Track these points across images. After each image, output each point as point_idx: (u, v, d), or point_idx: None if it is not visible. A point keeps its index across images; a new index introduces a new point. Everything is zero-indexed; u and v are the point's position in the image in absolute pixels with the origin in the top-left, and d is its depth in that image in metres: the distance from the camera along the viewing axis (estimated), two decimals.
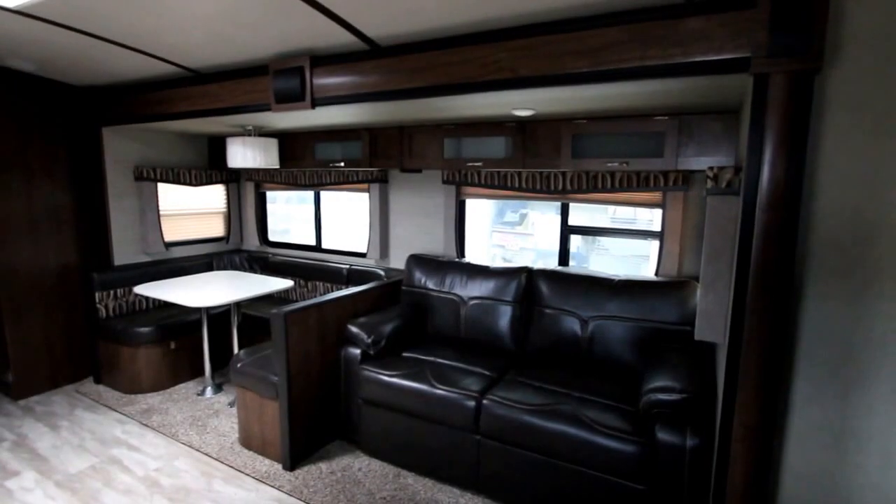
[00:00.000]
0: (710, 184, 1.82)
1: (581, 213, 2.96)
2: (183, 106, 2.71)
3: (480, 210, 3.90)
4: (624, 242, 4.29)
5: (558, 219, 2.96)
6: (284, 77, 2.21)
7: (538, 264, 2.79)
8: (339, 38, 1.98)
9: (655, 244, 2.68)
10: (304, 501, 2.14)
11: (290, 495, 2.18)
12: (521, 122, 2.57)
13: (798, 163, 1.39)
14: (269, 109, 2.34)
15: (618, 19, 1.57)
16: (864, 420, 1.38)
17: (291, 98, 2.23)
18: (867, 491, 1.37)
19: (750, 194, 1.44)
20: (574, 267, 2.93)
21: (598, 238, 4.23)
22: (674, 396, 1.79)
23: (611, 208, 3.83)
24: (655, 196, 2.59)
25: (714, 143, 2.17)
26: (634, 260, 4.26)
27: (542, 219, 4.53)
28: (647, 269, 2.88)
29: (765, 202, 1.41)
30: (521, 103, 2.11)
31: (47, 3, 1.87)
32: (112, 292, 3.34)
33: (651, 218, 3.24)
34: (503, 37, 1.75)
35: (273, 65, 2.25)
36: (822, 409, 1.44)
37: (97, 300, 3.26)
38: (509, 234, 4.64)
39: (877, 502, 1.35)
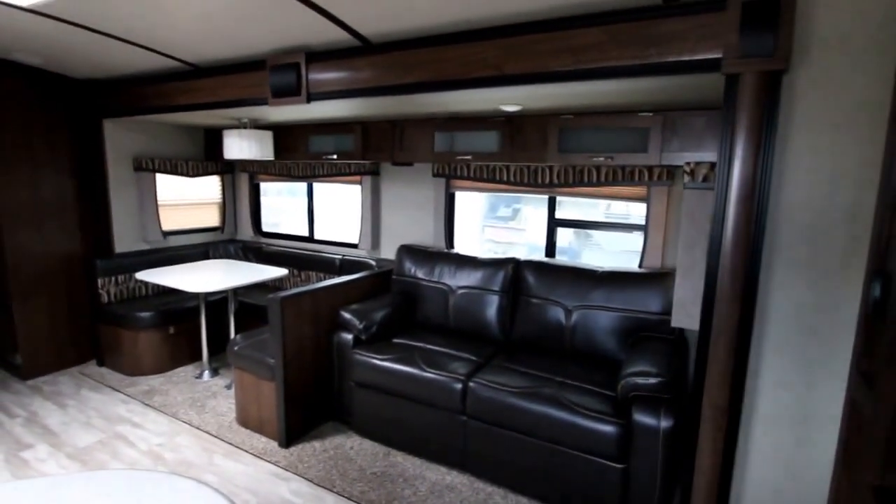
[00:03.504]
0: (686, 178, 1.91)
1: (575, 209, 3.03)
2: (183, 99, 2.78)
3: (473, 205, 3.96)
4: (616, 238, 4.34)
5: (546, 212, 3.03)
6: (281, 72, 2.28)
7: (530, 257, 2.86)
8: (333, 35, 2.04)
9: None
10: (299, 475, 2.26)
11: (286, 470, 2.30)
12: (510, 117, 2.64)
13: (767, 158, 1.48)
14: (266, 103, 2.40)
15: (598, 20, 1.64)
16: (828, 402, 1.46)
17: (288, 93, 2.29)
18: (827, 470, 1.45)
19: (722, 188, 1.53)
20: (560, 258, 3.02)
21: (591, 233, 4.30)
22: (650, 381, 1.89)
23: (604, 204, 3.88)
24: (640, 190, 2.67)
25: (697, 139, 2.22)
26: (626, 255, 4.31)
27: (534, 214, 4.58)
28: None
29: (736, 196, 1.50)
30: (508, 99, 2.18)
31: (57, 2, 1.95)
32: (113, 278, 3.43)
33: (640, 213, 3.30)
34: (489, 35, 1.82)
35: (270, 60, 2.31)
36: (788, 392, 1.53)
37: (99, 286, 3.36)
38: (502, 228, 4.71)
39: None
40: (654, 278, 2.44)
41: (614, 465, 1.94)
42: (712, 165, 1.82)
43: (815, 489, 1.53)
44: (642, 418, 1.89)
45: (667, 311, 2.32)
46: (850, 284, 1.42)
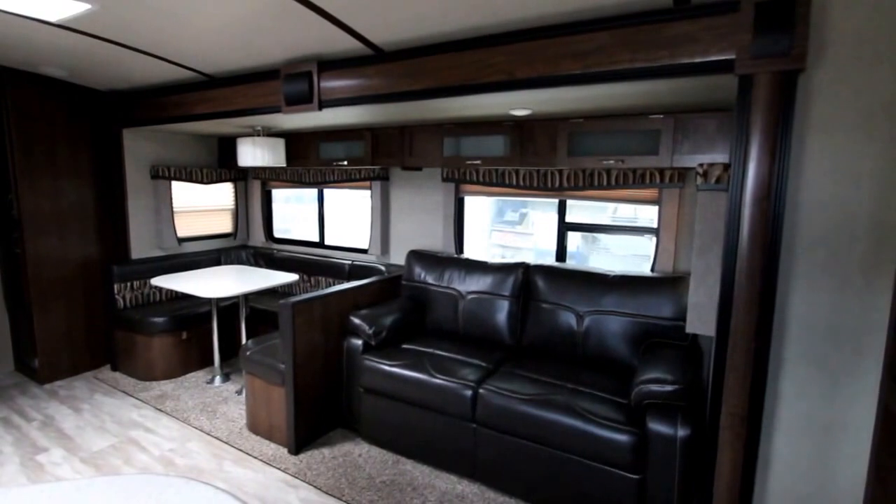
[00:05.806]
0: (699, 180, 1.88)
1: (582, 212, 3.01)
2: (199, 108, 2.84)
3: (480, 209, 3.96)
4: (625, 242, 4.30)
5: (556, 216, 3.02)
6: (294, 81, 2.32)
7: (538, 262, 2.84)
8: (345, 44, 2.07)
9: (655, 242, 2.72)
10: (307, 483, 2.24)
11: (295, 477, 2.29)
12: (519, 122, 2.64)
13: (783, 159, 1.45)
14: (279, 111, 2.44)
15: (607, 24, 1.64)
16: (851, 411, 1.42)
17: (300, 100, 2.33)
18: (855, 481, 1.41)
19: (736, 190, 1.50)
20: (570, 263, 2.99)
21: (599, 237, 4.26)
22: (666, 388, 1.84)
23: (611, 207, 3.86)
24: (652, 193, 2.64)
25: (709, 141, 2.19)
26: (636, 259, 4.26)
27: (542, 218, 4.56)
28: (647, 269, 2.94)
29: (750, 198, 1.47)
30: (518, 104, 2.18)
31: (83, 17, 2.03)
32: (129, 284, 3.50)
33: (650, 216, 3.27)
34: (500, 41, 1.83)
35: (284, 69, 2.36)
36: (810, 399, 1.48)
37: (115, 291, 3.42)
38: (509, 233, 4.69)
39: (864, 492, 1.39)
40: (667, 283, 2.40)
41: (629, 475, 1.89)
42: (726, 167, 1.79)
43: (843, 502, 1.46)
44: (658, 427, 1.84)
45: (680, 317, 2.27)
46: (876, 288, 1.38)
